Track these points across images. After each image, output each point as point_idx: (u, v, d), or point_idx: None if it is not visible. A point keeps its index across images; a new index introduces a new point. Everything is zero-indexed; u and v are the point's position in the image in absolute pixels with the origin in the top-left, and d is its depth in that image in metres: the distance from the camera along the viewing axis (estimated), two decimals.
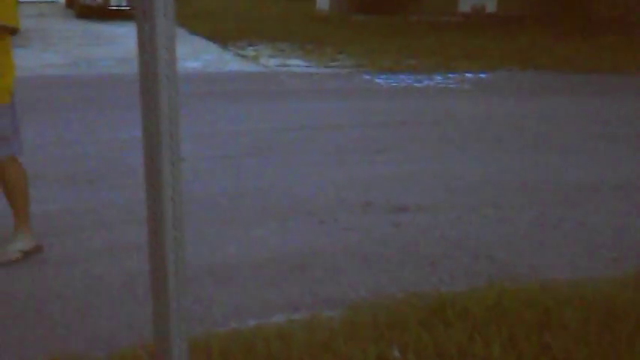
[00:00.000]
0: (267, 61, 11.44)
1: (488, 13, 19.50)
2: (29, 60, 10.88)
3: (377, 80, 9.41)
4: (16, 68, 3.76)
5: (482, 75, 9.87)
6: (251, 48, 13.55)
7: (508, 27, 17.04)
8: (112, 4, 18.71)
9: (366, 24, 17.69)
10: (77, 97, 8.11)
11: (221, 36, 15.10)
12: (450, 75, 9.84)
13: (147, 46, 1.86)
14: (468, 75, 9.85)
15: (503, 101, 8.43)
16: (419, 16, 18.95)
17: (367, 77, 9.64)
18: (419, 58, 11.88)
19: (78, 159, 5.74)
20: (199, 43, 14.08)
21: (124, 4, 18.81)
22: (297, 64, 11.22)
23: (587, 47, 12.77)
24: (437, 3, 19.86)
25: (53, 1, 24.17)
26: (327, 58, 11.81)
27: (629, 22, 16.64)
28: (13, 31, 3.68)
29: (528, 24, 17.58)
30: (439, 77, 9.67)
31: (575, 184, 5.33)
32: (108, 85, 8.92)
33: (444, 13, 19.40)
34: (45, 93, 8.16)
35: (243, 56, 12.03)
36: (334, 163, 5.75)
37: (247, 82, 9.33)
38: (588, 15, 19.28)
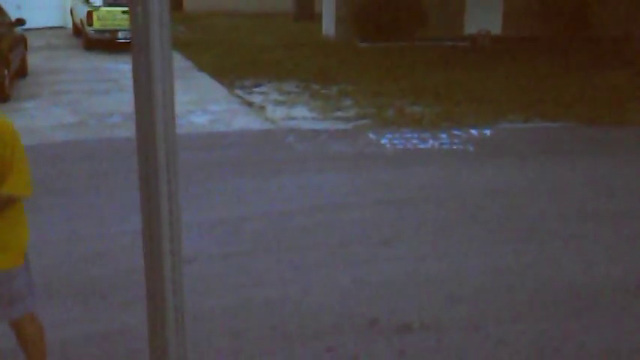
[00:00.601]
0: (273, 111, 11.54)
1: (493, 35, 19.55)
2: (39, 119, 11.06)
3: (382, 141, 9.50)
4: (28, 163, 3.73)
5: (486, 131, 9.94)
6: (257, 90, 13.69)
7: (512, 54, 17.12)
8: (119, 37, 18.87)
9: (371, 54, 17.79)
10: (87, 172, 8.25)
11: (227, 74, 15.25)
12: (454, 132, 9.91)
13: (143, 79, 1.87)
14: (473, 132, 9.93)
15: (507, 168, 8.50)
16: (425, 41, 19.04)
17: (372, 137, 9.74)
18: (424, 103, 11.97)
19: (89, 262, 5.87)
20: (205, 84, 14.21)
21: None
22: (303, 115, 11.33)
23: (592, 89, 12.79)
24: (443, 26, 19.95)
25: (61, 27, 24.36)
26: (333, 106, 11.92)
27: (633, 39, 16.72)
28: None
29: (532, 49, 17.65)
30: (444, 135, 9.75)
31: (578, 284, 5.43)
32: (117, 153, 9.05)
33: (450, 37, 19.48)
34: (54, 169, 8.32)
35: (249, 104, 12.14)
36: (340, 261, 5.86)
37: (254, 146, 9.44)
38: (592, 34, 19.34)
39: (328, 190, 7.65)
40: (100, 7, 18.80)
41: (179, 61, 17.74)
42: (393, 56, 17.27)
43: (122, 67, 16.58)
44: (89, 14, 18.63)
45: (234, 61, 17.22)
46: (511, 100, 11.97)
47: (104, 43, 19.06)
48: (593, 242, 6.31)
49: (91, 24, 18.64)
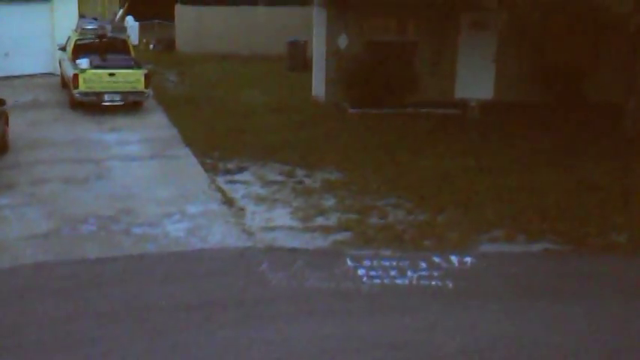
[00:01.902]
0: (252, 217, 11.27)
1: (484, 101, 19.34)
2: (11, 224, 10.79)
3: (359, 272, 9.24)
4: None
5: (467, 259, 9.68)
6: (240, 177, 13.43)
7: (502, 130, 16.90)
8: (105, 100, 18.63)
9: (361, 124, 17.56)
10: (49, 317, 7.97)
11: (213, 150, 15.00)
12: (434, 259, 9.65)
13: None
14: (453, 259, 9.67)
15: (487, 317, 8.24)
16: (416, 107, 18.79)
17: (350, 265, 9.47)
18: (407, 207, 11.71)
19: None
20: (188, 170, 13.93)
21: (118, 99, 18.73)
22: (283, 222, 11.06)
23: (580, 192, 12.52)
24: (434, 90, 19.75)
25: (50, 73, 24.09)
26: (315, 208, 11.66)
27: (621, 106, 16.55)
28: None
29: (523, 123, 17.45)
30: (423, 264, 9.49)
31: None
32: (86, 287, 8.78)
33: (441, 102, 19.25)
34: (13, 310, 8.06)
35: (230, 203, 11.88)
36: None
37: (226, 275, 9.17)
38: (583, 102, 19.15)
39: (298, 350, 7.38)
40: (86, 69, 18.55)
41: (165, 128, 17.53)
42: (383, 128, 17.02)
43: (106, 139, 16.33)
44: (75, 77, 18.39)
45: (219, 130, 16.96)
46: (496, 206, 11.71)
47: (90, 106, 18.81)
48: None
49: (77, 86, 18.39)
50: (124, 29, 24.75)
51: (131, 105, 19.20)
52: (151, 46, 30.73)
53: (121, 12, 32.56)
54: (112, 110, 18.89)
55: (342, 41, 19.53)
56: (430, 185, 12.80)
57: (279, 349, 7.42)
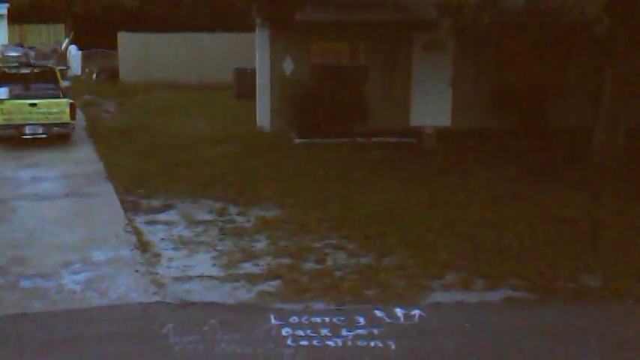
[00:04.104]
0: (167, 265, 9.63)
1: (442, 127, 17.97)
2: None
3: (284, 333, 7.64)
4: None
5: (414, 312, 8.12)
6: (163, 216, 11.82)
7: (459, 160, 15.50)
8: (26, 132, 16.93)
9: (306, 155, 16.06)
10: None
11: (137, 187, 13.40)
12: (376, 313, 8.08)
13: None
14: (398, 312, 8.10)
15: None
16: (368, 137, 17.35)
17: (274, 323, 7.86)
18: (349, 249, 10.18)
19: None
20: (104, 210, 12.26)
21: (40, 131, 17.04)
22: (202, 271, 9.44)
23: (544, 228, 11.07)
24: (388, 118, 18.36)
25: None
26: (242, 252, 10.08)
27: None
28: None
29: (482, 151, 16.10)
30: (361, 320, 7.92)
31: None
32: None
33: (395, 131, 17.84)
34: None
35: (144, 248, 10.24)
36: None
37: (120, 340, 7.50)
38: (546, 127, 17.89)
39: None
40: (4, 99, 16.89)
41: (90, 163, 15.88)
42: (329, 160, 15.51)
43: (20, 176, 14.63)
44: None
45: (151, 164, 15.36)
46: (451, 244, 10.22)
47: (11, 140, 17.10)
48: None
49: None
50: (64, 58, 23.22)
51: (57, 138, 17.53)
52: (94, 75, 29.06)
53: (66, 41, 30.99)
54: (36, 144, 17.21)
55: (288, 66, 18.10)
56: (377, 223, 11.27)
57: None
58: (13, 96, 17.14)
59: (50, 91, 17.67)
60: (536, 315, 8.22)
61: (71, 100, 17.43)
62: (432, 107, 18.57)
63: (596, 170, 14.10)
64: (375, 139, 17.24)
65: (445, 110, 18.73)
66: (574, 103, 18.29)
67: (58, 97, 17.38)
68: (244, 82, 24.21)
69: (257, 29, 18.39)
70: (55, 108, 17.05)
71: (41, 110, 16.95)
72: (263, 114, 18.84)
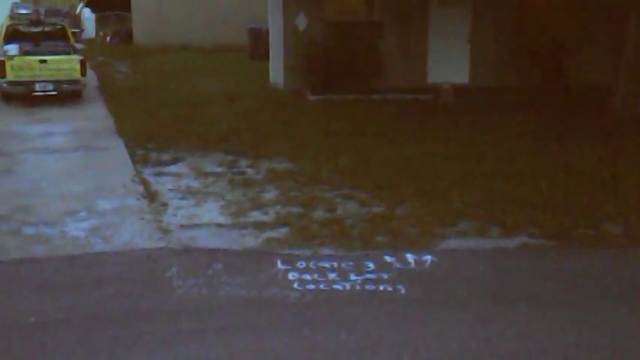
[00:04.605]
0: (174, 213, 9.40)
1: (459, 85, 17.55)
2: None
3: (290, 277, 7.38)
4: None
5: (426, 258, 7.83)
6: (172, 169, 11.58)
7: (477, 114, 15.11)
8: (36, 89, 16.71)
9: (319, 111, 15.75)
10: None
11: (147, 142, 13.15)
12: (385, 258, 7.80)
13: None
14: (409, 258, 7.82)
15: (447, 328, 6.41)
16: (384, 93, 17.00)
17: (280, 267, 7.61)
18: (361, 198, 9.89)
19: None
20: (112, 162, 12.06)
21: (51, 88, 16.81)
22: (209, 219, 9.19)
23: (563, 177, 10.73)
24: (404, 75, 17.96)
25: None
26: (251, 202, 9.81)
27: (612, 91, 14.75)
28: None
29: (500, 107, 15.67)
30: (370, 264, 7.64)
31: None
32: None
33: (412, 88, 17.46)
34: None
35: (152, 197, 10.01)
36: None
37: (123, 283, 7.28)
38: (567, 84, 17.40)
39: None
40: (14, 56, 16.65)
41: (101, 119, 15.67)
42: (343, 115, 15.20)
43: (29, 131, 14.45)
44: (1, 64, 16.44)
45: (163, 120, 15.14)
46: (466, 194, 9.88)
47: (21, 97, 16.90)
48: None
49: (4, 75, 16.46)
50: (78, 21, 22.97)
51: (68, 96, 17.32)
52: (108, 38, 28.82)
53: (80, 5, 30.73)
54: (46, 101, 17.01)
55: (301, 22, 17.71)
56: (390, 174, 10.96)
57: None
58: (23, 52, 16.91)
59: (61, 48, 17.40)
60: (553, 261, 7.90)
61: (82, 57, 17.18)
62: (449, 64, 18.14)
63: (618, 123, 13.67)
64: (390, 96, 16.89)
65: (463, 67, 18.28)
66: (597, 60, 17.78)
67: (69, 54, 17.11)
68: (259, 42, 23.86)
69: None
70: (66, 64, 16.81)
71: (51, 67, 16.72)
72: (276, 71, 18.50)
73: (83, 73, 16.97)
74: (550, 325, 6.42)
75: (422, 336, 6.23)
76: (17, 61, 16.57)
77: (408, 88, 17.42)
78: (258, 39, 23.82)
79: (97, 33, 29.83)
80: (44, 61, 16.63)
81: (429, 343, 6.11)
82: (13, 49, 16.94)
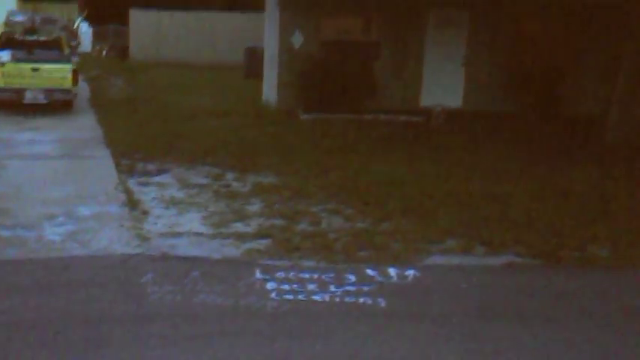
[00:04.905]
0: (155, 221, 9.22)
1: (452, 109, 17.47)
2: None
3: (268, 286, 7.20)
4: None
5: (409, 272, 7.66)
6: (157, 179, 11.41)
7: (468, 137, 15.02)
8: (27, 97, 16.57)
9: (311, 130, 15.61)
10: None
11: (135, 152, 12.98)
12: (367, 272, 7.63)
13: None
14: (391, 272, 7.65)
15: (428, 341, 6.23)
16: (377, 114, 16.92)
17: (259, 277, 7.43)
18: (347, 213, 9.72)
19: None
20: (97, 170, 11.91)
21: (41, 97, 16.67)
22: (190, 228, 9.02)
23: (551, 199, 10.62)
24: (398, 98, 17.89)
25: None
26: (234, 213, 9.64)
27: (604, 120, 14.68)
28: None
29: (492, 132, 15.59)
30: (351, 277, 7.47)
31: None
32: None
33: (405, 110, 17.39)
34: None
35: (133, 205, 9.82)
36: None
37: (95, 288, 7.08)
38: (559, 113, 17.37)
39: None
40: (6, 62, 16.54)
41: (89, 129, 15.53)
42: (334, 134, 15.05)
43: (16, 138, 14.31)
44: None
45: (152, 132, 14.98)
46: (453, 213, 9.73)
47: (11, 105, 16.76)
48: None
49: None
50: (75, 35, 22.94)
51: (59, 105, 17.19)
52: (104, 52, 28.80)
53: (79, 20, 30.72)
54: (37, 110, 16.86)
55: (297, 39, 17.64)
56: (378, 191, 10.80)
57: None
58: (15, 59, 16.78)
59: (53, 57, 17.28)
60: (538, 279, 7.73)
61: (74, 66, 17.06)
62: (443, 87, 18.07)
63: (609, 150, 13.58)
64: (383, 117, 16.79)
65: (457, 91, 18.21)
66: (590, 90, 17.77)
67: (61, 63, 17.00)
68: (254, 61, 23.79)
69: (267, 3, 17.95)
70: (58, 73, 16.69)
71: (43, 75, 16.60)
72: (270, 89, 18.42)
73: (75, 83, 16.85)
74: (532, 343, 6.25)
75: (400, 350, 6.05)
76: (8, 67, 16.46)
77: (401, 109, 17.34)
78: (254, 58, 23.77)
79: (93, 47, 29.79)
80: (36, 69, 16.51)
81: (409, 355, 5.92)
82: (5, 55, 16.80)
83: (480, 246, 8.62)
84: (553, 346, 6.21)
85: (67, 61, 17.25)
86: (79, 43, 26.79)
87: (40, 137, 14.44)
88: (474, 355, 5.99)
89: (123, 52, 28.29)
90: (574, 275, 7.90)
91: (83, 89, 20.46)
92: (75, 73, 16.85)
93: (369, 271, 7.65)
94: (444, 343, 6.19)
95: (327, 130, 15.54)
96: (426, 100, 18.09)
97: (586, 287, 7.62)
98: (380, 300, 6.98)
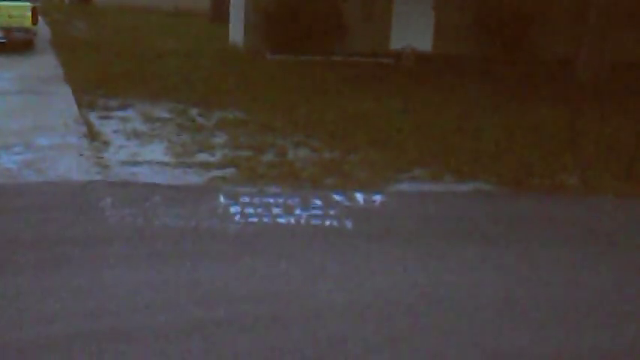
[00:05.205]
0: (116, 151, 8.95)
1: (422, 52, 17.24)
2: None
3: (232, 210, 7.00)
4: None
5: (375, 197, 7.50)
6: (119, 114, 11.07)
7: (437, 77, 14.85)
8: None
9: (278, 70, 15.30)
10: None
11: (96, 88, 12.57)
12: (334, 196, 7.46)
13: None
14: (358, 197, 7.49)
15: (384, 263, 6.08)
16: (345, 56, 16.65)
17: (222, 201, 7.22)
18: (313, 145, 9.52)
19: None
20: (57, 104, 11.52)
21: (1, 36, 16.12)
22: (152, 157, 8.75)
23: (522, 130, 10.52)
24: (367, 40, 17.59)
25: None
26: (198, 144, 9.38)
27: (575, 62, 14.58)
28: None
29: (462, 71, 15.41)
30: (318, 202, 7.29)
31: None
32: None
33: (374, 53, 17.12)
34: None
35: (93, 137, 9.52)
36: None
37: (52, 211, 6.82)
38: (531, 55, 17.24)
39: (111, 300, 5.12)
40: None
41: (50, 68, 15.05)
42: (302, 74, 14.78)
43: None
44: None
45: (115, 71, 14.53)
46: (422, 146, 9.56)
47: None
48: None
49: None
50: None
51: (18, 45, 16.64)
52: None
53: None
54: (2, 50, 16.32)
55: None
56: (345, 125, 10.59)
57: (88, 297, 5.16)
58: None
59: None
60: (506, 205, 7.65)
61: (33, 5, 16.48)
62: (413, 30, 17.79)
63: (580, 88, 13.50)
64: (351, 59, 16.53)
65: (427, 34, 17.96)
66: (561, 32, 17.62)
67: (20, 0, 16.41)
68: (220, 5, 23.29)
69: None
70: (16, 12, 16.12)
71: (1, 14, 16.02)
72: (236, 31, 18.02)
73: (34, 22, 16.31)
74: (499, 262, 6.15)
75: (367, 268, 5.91)
76: None
77: (370, 52, 17.08)
78: (220, 2, 23.25)
79: None
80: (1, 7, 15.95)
81: (374, 274, 5.78)
82: None
83: (449, 174, 8.48)
84: (519, 265, 6.11)
85: None
86: None
87: None
88: (442, 273, 5.87)
89: None
90: (542, 201, 7.80)
91: (45, 32, 19.87)
92: (34, 11, 16.30)
93: (336, 196, 7.48)
94: (411, 261, 6.06)
95: (294, 70, 15.26)
96: (396, 43, 17.81)
97: (554, 212, 7.53)
98: (347, 222, 6.82)
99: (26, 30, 16.27)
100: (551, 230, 6.98)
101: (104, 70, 14.48)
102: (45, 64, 15.52)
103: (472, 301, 5.40)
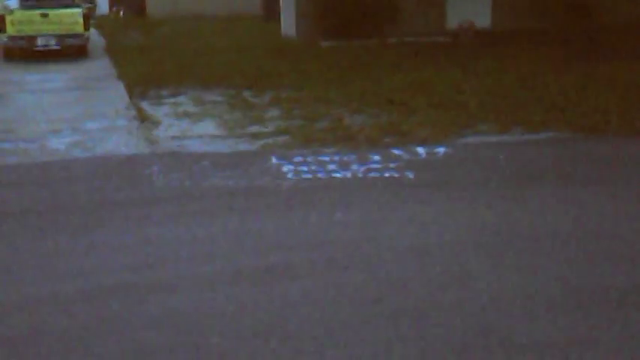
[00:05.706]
0: (166, 129, 8.65)
1: (481, 29, 16.56)
2: None
3: (285, 169, 6.57)
4: None
5: (439, 150, 6.97)
6: (171, 100, 10.80)
7: (500, 48, 14.17)
8: (38, 44, 16.06)
9: (332, 54, 14.86)
10: None
11: (148, 82, 12.36)
12: (394, 151, 6.96)
13: None
14: (420, 151, 6.97)
15: (461, 205, 5.54)
16: (399, 38, 16.12)
17: (275, 162, 6.81)
18: (370, 112, 9.03)
19: None
20: (108, 95, 11.35)
21: (53, 43, 16.15)
22: (204, 131, 8.42)
23: (592, 84, 9.82)
24: (422, 20, 17.01)
25: None
26: (252, 118, 9.01)
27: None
28: None
29: (524, 42, 14.67)
30: (376, 157, 6.80)
31: None
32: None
33: (430, 32, 16.53)
34: None
35: (144, 119, 9.24)
36: None
37: (98, 179, 6.52)
38: (593, 25, 16.36)
39: (166, 252, 4.74)
40: (14, 10, 16.01)
41: (102, 69, 14.95)
42: (356, 56, 14.30)
43: (28, 78, 13.79)
44: (1, 19, 15.80)
45: (168, 66, 14.34)
46: (487, 104, 8.97)
47: (23, 53, 16.26)
48: None
49: (4, 30, 15.83)
50: None
51: (73, 52, 16.66)
52: (121, 13, 28.22)
53: None
54: (49, 56, 16.35)
55: None
56: (403, 92, 10.07)
57: (130, 252, 4.78)
58: (24, 6, 16.25)
59: (62, 2, 16.70)
60: (584, 148, 7.03)
61: (84, 10, 16.49)
62: (470, 7, 17.13)
63: None
64: (406, 40, 15.98)
65: (485, 10, 17.25)
66: (620, 3, 16.71)
67: (71, 7, 16.43)
68: (273, 4, 23.03)
69: None
70: (68, 18, 16.13)
71: (53, 20, 16.05)
72: (288, 24, 17.69)
73: (86, 27, 16.29)
74: (576, 202, 5.54)
75: (431, 213, 5.39)
76: (18, 15, 15.94)
77: (424, 32, 16.49)
78: (272, 1, 23.01)
79: (110, 9, 29.28)
80: (45, 15, 15.97)
81: (440, 218, 5.26)
82: (13, 2, 16.31)
83: (518, 127, 7.88)
84: (602, 203, 5.50)
85: (77, 5, 16.68)
86: (95, 5, 26.20)
87: (52, 77, 13.89)
88: (515, 213, 5.30)
89: (140, 10, 27.70)
90: (621, 144, 7.14)
91: (98, 39, 19.95)
92: (86, 17, 16.30)
93: (396, 151, 6.98)
94: (481, 204, 5.51)
95: (348, 53, 14.78)
96: (452, 21, 17.17)
97: (633, 154, 6.86)
98: (408, 173, 6.31)
99: (79, 36, 16.25)
100: (630, 172, 6.32)
101: (157, 67, 14.29)
102: (99, 66, 15.46)
103: (551, 239, 4.82)
